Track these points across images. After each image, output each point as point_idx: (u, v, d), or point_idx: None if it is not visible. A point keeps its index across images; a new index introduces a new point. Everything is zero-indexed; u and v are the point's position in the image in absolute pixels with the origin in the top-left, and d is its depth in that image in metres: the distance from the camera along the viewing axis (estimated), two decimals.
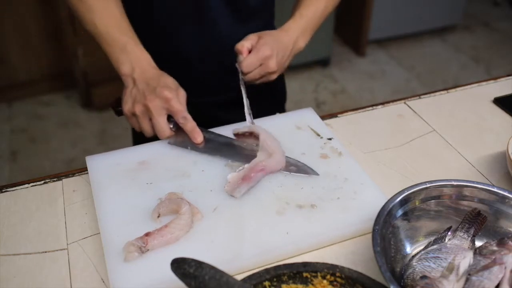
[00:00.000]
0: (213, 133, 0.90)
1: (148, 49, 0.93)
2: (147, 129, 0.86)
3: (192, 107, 0.90)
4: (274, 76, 0.95)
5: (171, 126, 0.87)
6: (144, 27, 0.98)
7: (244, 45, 0.91)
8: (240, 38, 0.94)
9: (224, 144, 0.88)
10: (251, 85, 0.95)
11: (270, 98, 1.15)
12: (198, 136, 0.86)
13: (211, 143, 0.88)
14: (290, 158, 0.85)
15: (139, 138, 0.99)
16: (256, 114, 0.95)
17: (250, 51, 0.92)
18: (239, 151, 0.87)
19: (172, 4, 0.97)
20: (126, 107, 0.87)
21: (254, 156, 0.84)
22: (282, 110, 1.23)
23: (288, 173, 0.83)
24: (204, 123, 0.91)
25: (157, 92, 0.83)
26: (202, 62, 1.04)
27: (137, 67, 0.88)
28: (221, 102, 1.10)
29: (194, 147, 0.87)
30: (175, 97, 0.84)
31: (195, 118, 0.88)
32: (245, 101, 0.93)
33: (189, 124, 0.86)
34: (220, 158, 0.85)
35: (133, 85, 0.87)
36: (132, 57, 0.88)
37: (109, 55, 0.90)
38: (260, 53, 0.90)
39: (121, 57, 0.88)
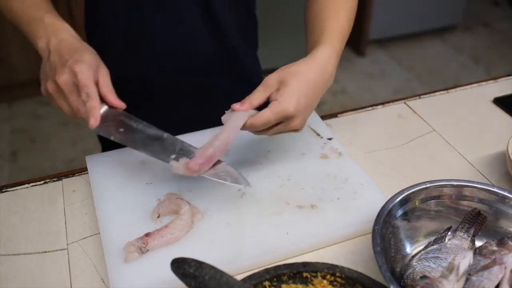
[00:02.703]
0: (142, 123, 0.77)
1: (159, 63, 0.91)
2: (66, 109, 0.75)
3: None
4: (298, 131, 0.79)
5: (103, 110, 0.74)
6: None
7: (252, 102, 0.73)
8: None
9: (152, 138, 0.76)
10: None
11: None
12: (93, 119, 0.70)
13: (139, 134, 0.75)
14: (228, 166, 0.74)
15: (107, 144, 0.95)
16: None
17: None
18: (167, 146, 0.75)
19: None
20: (42, 87, 0.77)
21: (181, 154, 0.74)
22: None
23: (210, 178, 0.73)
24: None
25: (68, 66, 0.72)
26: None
27: (53, 37, 0.76)
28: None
29: (118, 137, 0.75)
30: (85, 71, 0.71)
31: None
32: None
33: (90, 103, 0.71)
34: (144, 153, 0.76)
35: (47, 59, 0.75)
36: (50, 29, 0.77)
37: (28, 35, 0.80)
38: (279, 109, 0.71)
39: (37, 31, 0.78)
